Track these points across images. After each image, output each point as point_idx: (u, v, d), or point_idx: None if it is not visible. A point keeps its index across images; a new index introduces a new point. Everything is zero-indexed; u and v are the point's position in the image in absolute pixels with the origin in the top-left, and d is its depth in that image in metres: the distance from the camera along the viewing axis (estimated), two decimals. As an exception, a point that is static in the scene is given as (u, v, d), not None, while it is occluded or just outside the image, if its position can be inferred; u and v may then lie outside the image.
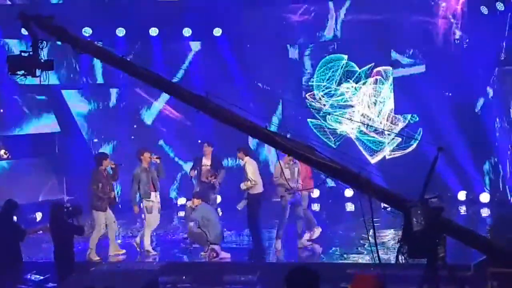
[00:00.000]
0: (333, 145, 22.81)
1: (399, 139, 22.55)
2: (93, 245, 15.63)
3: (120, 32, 22.41)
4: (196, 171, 17.80)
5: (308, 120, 23.21)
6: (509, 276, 10.42)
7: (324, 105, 23.20)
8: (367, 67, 22.83)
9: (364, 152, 22.87)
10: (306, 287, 5.80)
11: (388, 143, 22.85)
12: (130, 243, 16.66)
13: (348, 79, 23.05)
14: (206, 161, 17.56)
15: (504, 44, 20.43)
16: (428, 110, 21.90)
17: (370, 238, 8.10)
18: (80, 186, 20.83)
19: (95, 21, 21.41)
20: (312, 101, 23.22)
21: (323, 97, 23.29)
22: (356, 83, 23.00)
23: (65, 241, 13.22)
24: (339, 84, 23.12)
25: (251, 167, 15.79)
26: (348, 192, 21.79)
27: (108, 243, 16.01)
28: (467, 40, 21.45)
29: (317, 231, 16.67)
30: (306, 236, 16.38)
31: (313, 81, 23.32)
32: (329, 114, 22.85)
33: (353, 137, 23.14)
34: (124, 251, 16.17)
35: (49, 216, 13.62)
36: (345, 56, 23.08)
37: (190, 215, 15.87)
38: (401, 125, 22.62)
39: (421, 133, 22.00)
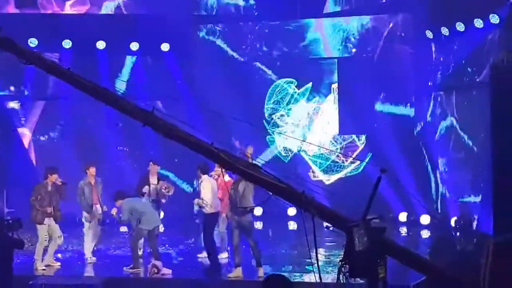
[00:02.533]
0: (285, 161, 23.08)
1: (357, 162, 22.80)
2: (38, 256, 15.80)
3: (67, 44, 22.25)
4: (149, 188, 17.31)
5: (268, 137, 23.42)
6: (447, 297, 10.55)
7: (278, 125, 23.50)
8: (306, 87, 23.19)
9: (318, 172, 23.14)
10: None
11: (345, 166, 23.13)
12: (69, 257, 16.59)
13: (295, 101, 23.40)
14: (153, 180, 17.09)
15: (450, 67, 20.81)
16: (372, 132, 22.24)
17: (312, 257, 8.13)
18: (21, 199, 20.64)
19: (41, 32, 21.25)
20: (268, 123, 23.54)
21: (273, 119, 23.57)
22: (308, 101, 23.35)
23: (4, 254, 13.01)
24: (287, 105, 23.44)
25: (206, 187, 15.60)
26: (291, 211, 21.89)
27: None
28: (409, 63, 21.81)
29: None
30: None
31: (267, 104, 23.59)
32: (280, 134, 23.12)
33: (306, 156, 23.43)
34: (58, 263, 16.15)
35: (-11, 229, 13.41)
36: (293, 80, 23.39)
37: (119, 219, 15.89)
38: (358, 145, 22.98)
39: (370, 156, 22.25)
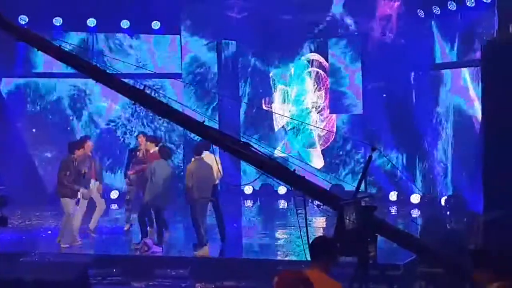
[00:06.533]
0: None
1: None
2: (62, 233, 15.59)
3: (57, 21, 22.13)
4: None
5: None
6: (437, 275, 10.62)
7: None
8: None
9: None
10: (326, 252, 6.65)
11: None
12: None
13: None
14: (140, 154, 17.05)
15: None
16: (363, 110, 22.27)
17: (302, 235, 8.16)
18: (10, 176, 20.63)
19: (31, 9, 21.13)
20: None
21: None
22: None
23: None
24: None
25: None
26: (282, 190, 21.91)
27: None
28: (402, 42, 21.70)
29: None
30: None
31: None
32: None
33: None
34: (80, 241, 15.91)
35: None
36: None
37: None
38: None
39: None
